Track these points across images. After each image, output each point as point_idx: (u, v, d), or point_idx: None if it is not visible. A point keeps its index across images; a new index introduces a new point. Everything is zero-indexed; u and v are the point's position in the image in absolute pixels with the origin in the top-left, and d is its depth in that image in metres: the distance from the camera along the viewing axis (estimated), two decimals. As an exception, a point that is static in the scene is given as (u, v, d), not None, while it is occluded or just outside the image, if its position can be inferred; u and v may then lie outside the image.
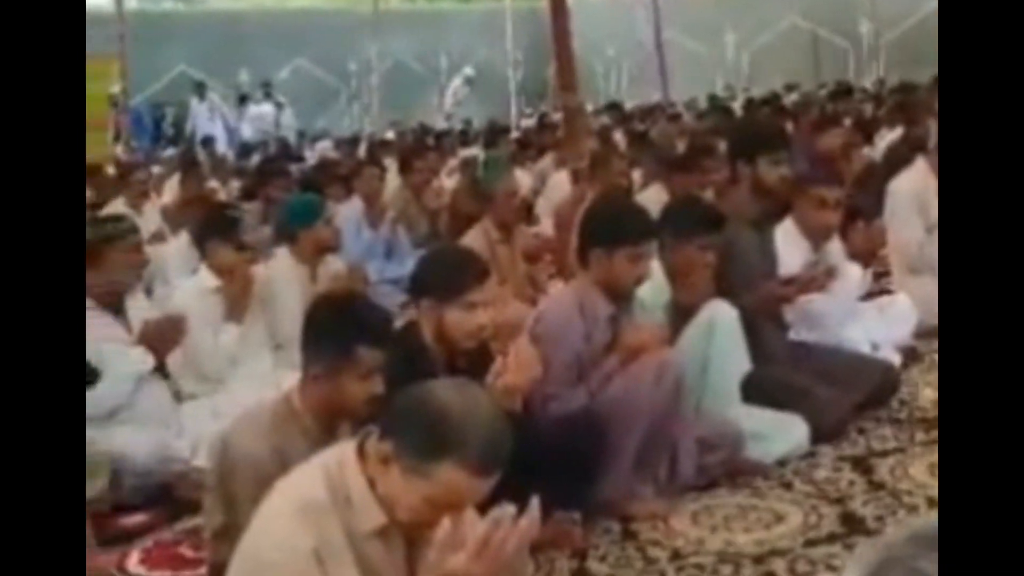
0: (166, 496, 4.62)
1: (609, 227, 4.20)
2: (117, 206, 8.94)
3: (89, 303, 4.73)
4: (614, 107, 19.32)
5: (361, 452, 2.49)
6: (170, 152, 17.18)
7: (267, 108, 21.25)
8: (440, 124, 21.10)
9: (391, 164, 10.35)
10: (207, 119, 20.45)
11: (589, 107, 15.89)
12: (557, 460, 3.70)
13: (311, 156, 16.06)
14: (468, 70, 23.70)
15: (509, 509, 2.25)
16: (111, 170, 12.74)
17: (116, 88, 18.11)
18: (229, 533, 3.14)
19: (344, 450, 2.53)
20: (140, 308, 5.02)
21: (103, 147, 17.46)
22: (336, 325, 3.22)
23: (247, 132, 20.63)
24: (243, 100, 21.18)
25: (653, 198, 6.46)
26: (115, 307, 4.85)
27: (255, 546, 2.44)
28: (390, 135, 18.65)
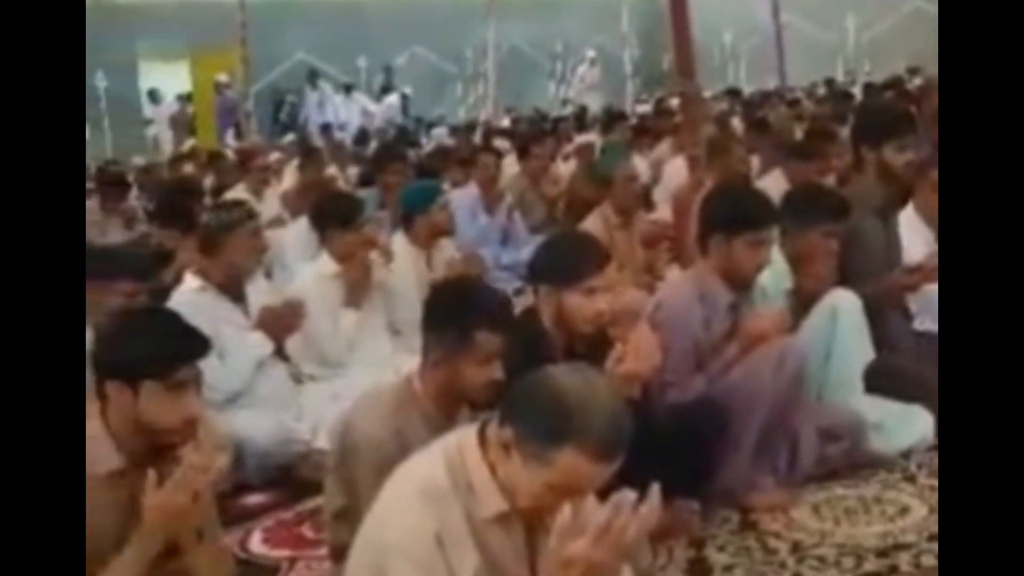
0: (287, 477, 4.69)
1: (730, 213, 4.14)
2: (238, 192, 9.09)
3: (210, 289, 4.81)
4: (732, 93, 19.10)
5: (482, 438, 2.48)
6: (289, 139, 17.41)
7: (395, 98, 21.42)
8: (556, 110, 21.07)
9: (508, 150, 10.37)
10: (316, 107, 20.65)
11: (707, 93, 15.72)
12: (676, 447, 3.66)
13: (427, 143, 16.16)
14: (591, 52, 23.56)
15: (630, 495, 2.22)
16: (231, 156, 13.00)
17: (223, 77, 18.49)
18: (349, 515, 3.17)
19: (465, 436, 2.53)
20: (260, 293, 5.09)
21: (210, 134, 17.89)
22: (456, 310, 3.23)
23: (378, 121, 20.77)
24: (348, 89, 21.29)
25: (772, 184, 6.36)
26: (235, 293, 4.92)
27: (377, 529, 2.45)
28: (505, 122, 18.68)
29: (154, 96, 18.89)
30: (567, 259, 3.73)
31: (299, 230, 7.23)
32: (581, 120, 16.40)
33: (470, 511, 2.43)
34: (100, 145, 18.25)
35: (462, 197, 8.36)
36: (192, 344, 2.87)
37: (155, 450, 2.83)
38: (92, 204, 9.68)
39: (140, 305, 3.94)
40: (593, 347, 3.69)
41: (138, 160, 15.40)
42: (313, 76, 20.71)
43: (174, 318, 2.98)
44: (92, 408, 2.90)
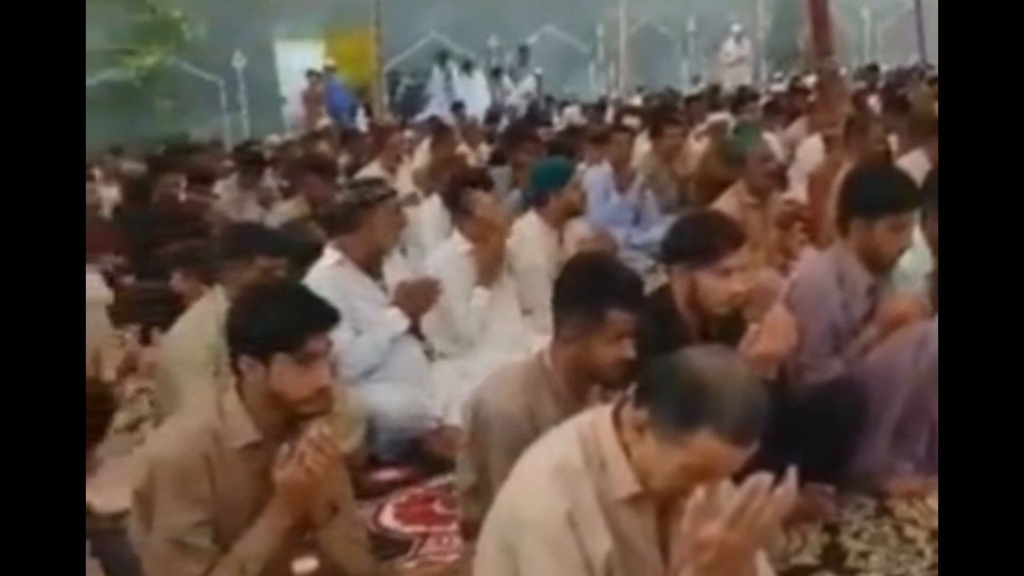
0: (418, 453, 4.73)
1: (871, 195, 4.05)
2: (373, 169, 9.18)
3: (348, 264, 4.86)
4: (870, 70, 18.67)
5: (616, 419, 2.46)
6: (421, 117, 17.53)
7: (531, 81, 21.40)
8: (687, 88, 20.84)
9: (639, 129, 10.29)
10: (442, 88, 20.66)
11: (843, 71, 15.41)
12: (812, 431, 3.59)
13: (558, 122, 16.12)
14: (736, 27, 23.16)
15: (766, 478, 2.18)
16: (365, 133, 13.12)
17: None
18: (480, 492, 3.18)
19: (599, 416, 2.51)
20: (397, 269, 5.13)
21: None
22: (588, 288, 3.21)
23: (515, 101, 20.75)
24: (467, 67, 21.21)
25: (912, 165, 6.19)
26: (373, 269, 4.97)
27: (510, 506, 2.45)
28: (636, 100, 18.54)
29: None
30: (702, 239, 3.69)
31: (433, 208, 7.28)
32: (713, 99, 16.21)
33: (603, 492, 2.42)
34: (238, 125, 18.63)
35: (594, 176, 8.33)
36: (320, 315, 2.91)
37: (290, 422, 2.87)
38: (230, 182, 9.90)
39: (270, 280, 3.99)
40: (727, 328, 3.64)
41: (273, 139, 15.65)
42: (443, 57, 20.75)
43: (302, 291, 3.03)
44: (229, 382, 2.96)
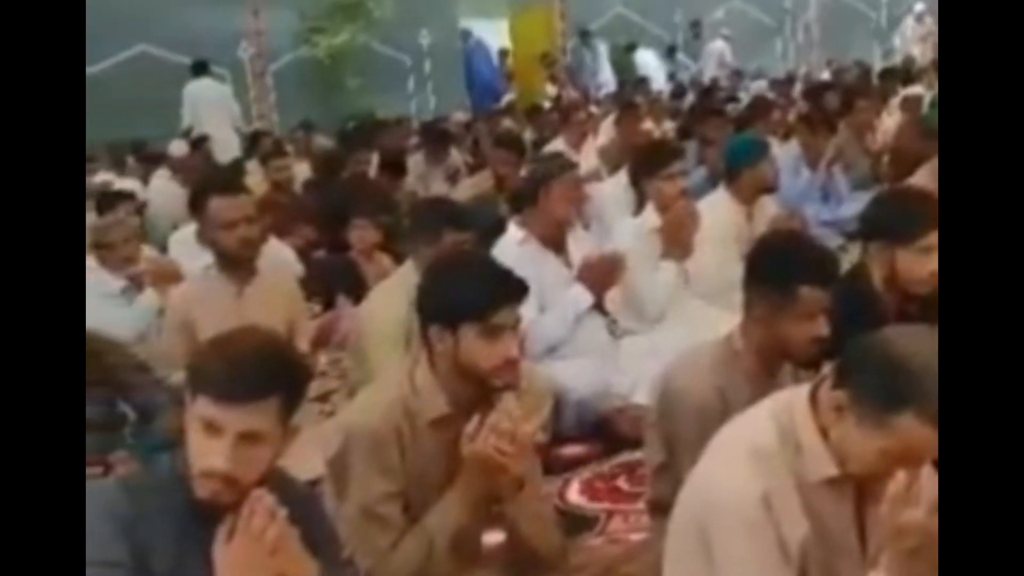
0: (603, 430, 4.72)
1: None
2: (557, 145, 9.18)
3: (532, 240, 4.87)
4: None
5: (813, 400, 2.40)
6: (605, 92, 17.47)
7: (720, 44, 21.05)
8: (879, 62, 20.25)
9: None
10: (588, 67, 20.42)
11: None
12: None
13: (745, 96, 15.87)
14: (919, 5, 22.44)
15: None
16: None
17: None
18: (669, 471, 3.14)
19: (796, 396, 2.45)
20: (581, 245, 5.12)
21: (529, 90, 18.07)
22: (780, 265, 3.13)
23: (710, 70, 20.48)
24: (630, 49, 20.88)
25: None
26: (556, 244, 4.96)
27: (703, 487, 2.42)
28: (826, 74, 18.12)
29: (505, 55, 19.30)
30: (903, 216, 3.56)
31: (617, 184, 7.23)
32: (908, 72, 15.70)
33: (799, 474, 2.36)
34: (424, 102, 18.88)
35: (784, 152, 8.16)
36: (509, 287, 2.89)
37: (480, 396, 2.89)
38: (418, 158, 10.04)
39: (452, 253, 4.01)
40: (925, 308, 3.51)
41: (459, 116, 15.81)
42: (585, 35, 20.45)
43: (492, 262, 3.02)
44: (421, 355, 2.99)
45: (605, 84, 18.82)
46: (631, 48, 20.25)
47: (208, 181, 4.87)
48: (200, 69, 14.16)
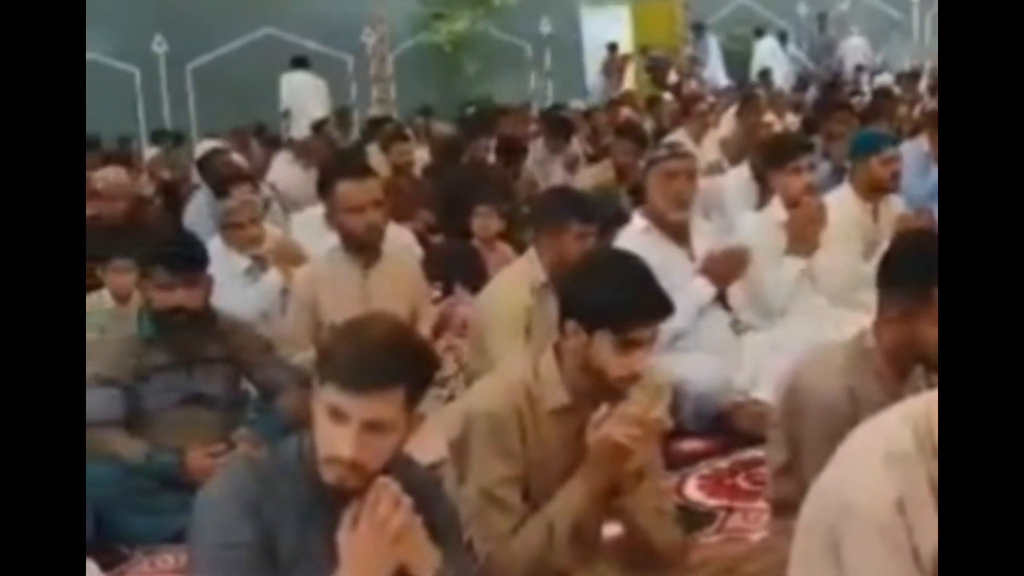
0: (722, 425, 4.66)
1: None
2: (678, 136, 9.11)
3: (654, 230, 4.83)
4: None
5: None
6: (726, 85, 17.29)
7: (857, 40, 20.68)
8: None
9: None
10: (716, 56, 20.15)
11: None
12: None
13: (867, 91, 15.58)
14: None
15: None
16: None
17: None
18: (793, 471, 3.09)
19: (931, 399, 2.39)
20: (704, 238, 5.07)
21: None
22: (915, 266, 3.05)
23: (849, 64, 20.13)
24: (759, 34, 20.49)
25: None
26: (679, 235, 4.91)
27: (836, 489, 2.36)
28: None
29: (613, 48, 19.23)
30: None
31: (739, 177, 7.15)
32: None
33: (935, 480, 2.30)
34: (542, 89, 18.89)
35: (911, 149, 7.97)
36: (654, 306, 2.83)
37: (600, 391, 2.87)
38: (537, 145, 10.04)
39: (609, 250, 3.94)
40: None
41: (578, 104, 15.78)
42: (699, 28, 20.15)
43: (645, 276, 2.91)
44: (546, 343, 2.98)
45: (712, 79, 18.61)
46: (760, 33, 20.01)
47: (337, 165, 4.91)
48: (300, 64, 14.81)
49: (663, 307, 2.84)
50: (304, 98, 14.47)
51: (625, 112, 12.93)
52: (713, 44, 19.83)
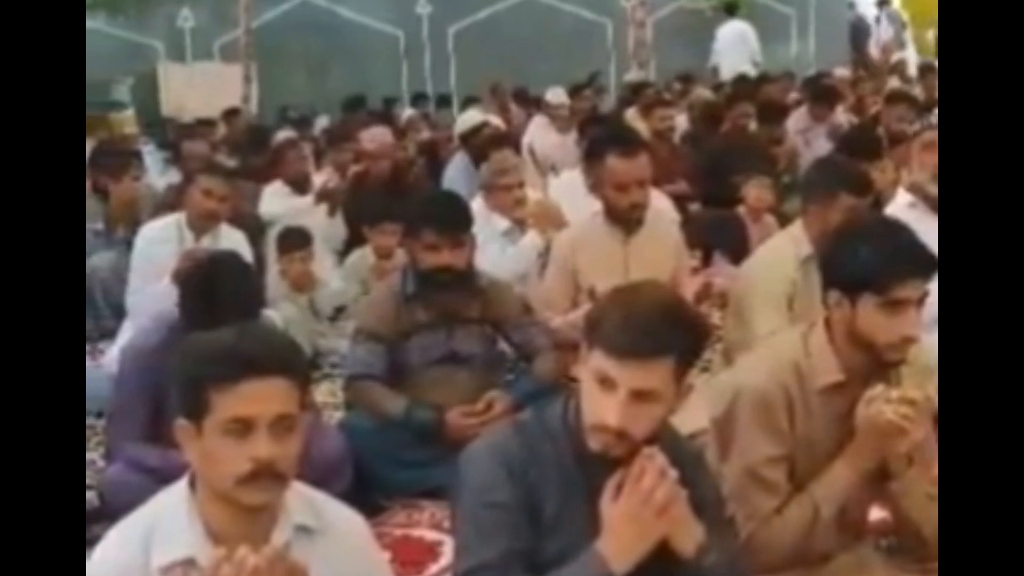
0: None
1: None
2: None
3: (920, 205, 4.63)
4: None
5: None
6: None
7: None
8: None
9: None
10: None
11: None
12: None
13: None
14: None
15: None
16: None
17: None
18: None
19: None
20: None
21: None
22: None
23: None
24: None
25: None
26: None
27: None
28: None
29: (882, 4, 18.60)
30: None
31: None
32: None
33: None
34: (803, 55, 18.41)
35: None
36: (915, 261, 2.70)
37: (873, 366, 2.75)
38: (800, 113, 9.75)
39: (869, 216, 3.84)
40: None
41: (843, 72, 15.28)
42: (882, 3, 19.05)
43: (903, 233, 2.80)
44: (819, 318, 2.87)
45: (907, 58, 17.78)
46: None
47: (608, 136, 4.83)
48: (730, 10, 15.78)
49: (927, 263, 2.69)
50: (731, 49, 15.21)
51: (892, 82, 12.49)
52: (888, 21, 19.01)
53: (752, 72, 13.97)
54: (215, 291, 3.58)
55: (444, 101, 14.03)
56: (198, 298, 3.62)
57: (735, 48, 15.29)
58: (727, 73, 14.24)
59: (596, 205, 4.63)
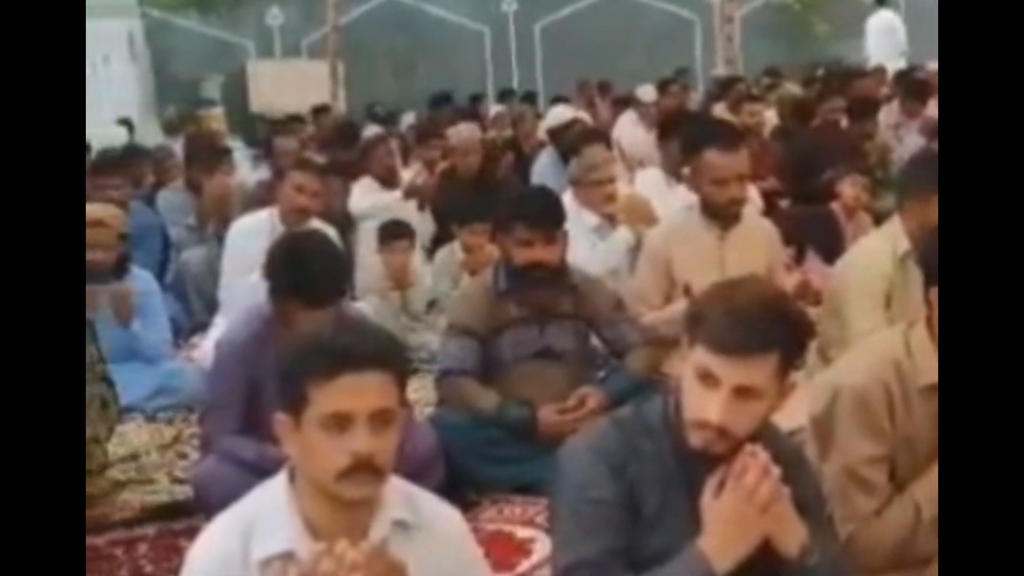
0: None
1: None
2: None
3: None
4: None
5: None
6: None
7: None
8: None
9: None
10: None
11: None
12: None
13: None
14: None
15: None
16: None
17: None
18: None
19: None
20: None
21: None
22: None
23: None
24: None
25: None
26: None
27: None
28: None
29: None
30: None
31: None
32: None
33: None
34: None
35: None
36: None
37: None
38: (892, 108, 9.62)
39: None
40: None
41: (933, 66, 15.03)
42: None
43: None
44: (920, 316, 2.82)
45: None
46: None
47: (708, 131, 4.78)
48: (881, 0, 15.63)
49: None
50: (877, 41, 15.21)
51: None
52: None
53: (901, 64, 13.75)
54: (302, 261, 3.62)
55: (529, 97, 14.05)
56: (284, 268, 3.66)
57: (883, 39, 15.17)
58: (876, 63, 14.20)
59: (680, 201, 4.59)
